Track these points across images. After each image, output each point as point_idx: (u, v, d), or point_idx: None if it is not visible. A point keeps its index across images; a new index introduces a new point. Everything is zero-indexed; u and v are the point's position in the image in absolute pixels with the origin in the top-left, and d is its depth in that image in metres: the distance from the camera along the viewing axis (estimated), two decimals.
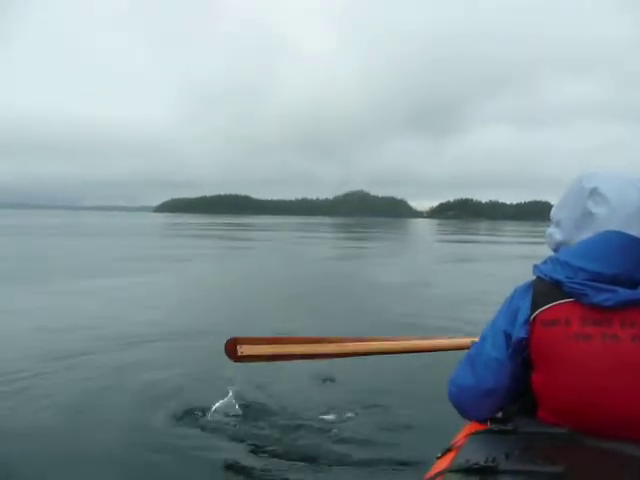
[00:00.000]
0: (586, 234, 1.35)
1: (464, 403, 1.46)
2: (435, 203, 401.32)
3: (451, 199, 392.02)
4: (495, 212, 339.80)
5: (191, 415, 3.34)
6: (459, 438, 1.35)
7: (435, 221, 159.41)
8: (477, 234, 41.11)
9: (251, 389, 3.66)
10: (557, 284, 1.29)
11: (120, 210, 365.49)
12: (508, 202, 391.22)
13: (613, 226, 1.30)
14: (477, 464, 1.07)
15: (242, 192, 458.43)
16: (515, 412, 1.41)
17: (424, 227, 64.61)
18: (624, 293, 1.21)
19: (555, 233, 1.47)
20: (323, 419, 3.31)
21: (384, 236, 33.21)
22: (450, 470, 1.11)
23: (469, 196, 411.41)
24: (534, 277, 1.39)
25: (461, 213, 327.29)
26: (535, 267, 1.40)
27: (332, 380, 4.06)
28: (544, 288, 1.32)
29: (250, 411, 3.37)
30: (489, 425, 1.34)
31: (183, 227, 44.96)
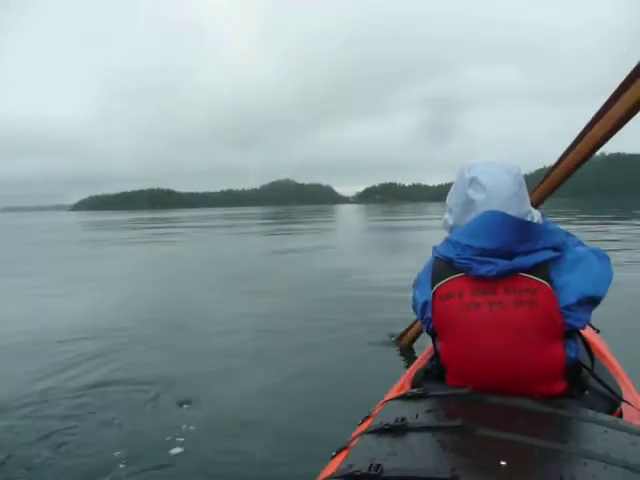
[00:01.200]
0: (471, 217, 1.51)
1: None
2: (361, 188, 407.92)
3: (376, 184, 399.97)
4: (418, 194, 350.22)
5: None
6: (377, 406, 1.49)
7: (362, 206, 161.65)
8: (402, 218, 41.09)
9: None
10: (450, 262, 1.47)
11: (33, 210, 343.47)
12: (430, 184, 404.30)
13: (491, 209, 1.46)
14: (388, 424, 1.21)
15: (165, 186, 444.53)
16: (428, 379, 1.61)
17: (350, 212, 64.55)
18: (503, 264, 1.37)
19: (448, 218, 1.65)
20: None
21: (313, 226, 32.38)
22: (365, 432, 1.24)
23: (393, 180, 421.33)
24: (433, 257, 1.56)
25: (386, 197, 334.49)
26: (433, 248, 1.57)
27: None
28: (440, 266, 1.50)
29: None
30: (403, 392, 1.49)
31: (89, 226, 42.04)
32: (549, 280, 1.36)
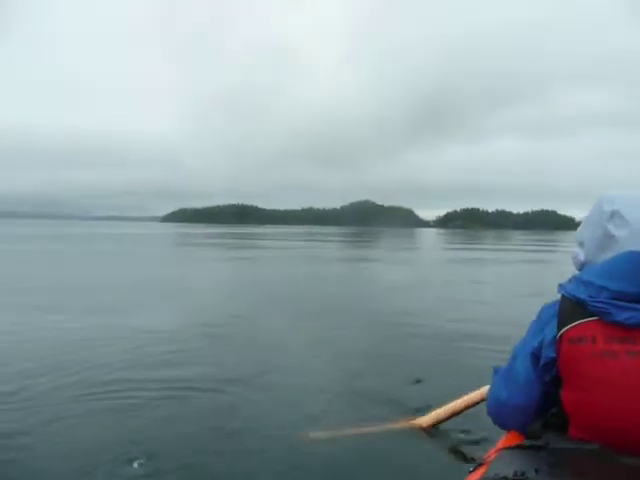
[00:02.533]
0: (608, 255, 1.39)
1: (499, 416, 1.57)
2: (442, 212, 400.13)
3: (457, 209, 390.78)
4: (502, 221, 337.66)
5: None
6: (491, 453, 1.37)
7: (442, 230, 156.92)
8: (483, 246, 39.76)
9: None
10: (581, 303, 1.33)
11: (129, 220, 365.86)
12: (515, 211, 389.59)
13: (634, 247, 1.33)
14: (505, 478, 1.09)
15: (249, 202, 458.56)
16: (547, 428, 1.43)
17: (431, 238, 63.24)
18: None
19: (579, 253, 1.52)
20: None
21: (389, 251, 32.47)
22: None
23: (476, 205, 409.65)
24: (559, 296, 1.43)
25: (467, 222, 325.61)
26: (560, 286, 1.44)
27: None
28: (569, 307, 1.36)
29: None
30: (521, 441, 1.36)
31: (182, 237, 44.30)
32: None
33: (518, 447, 1.31)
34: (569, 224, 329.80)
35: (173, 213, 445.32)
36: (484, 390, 2.73)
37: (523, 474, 1.08)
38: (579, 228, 1.58)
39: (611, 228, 1.40)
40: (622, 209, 1.40)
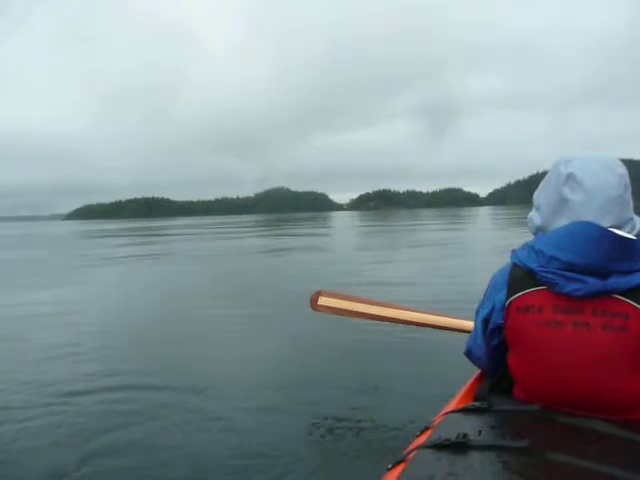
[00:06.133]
0: (562, 220, 1.37)
1: (469, 356, 1.64)
2: (355, 195, 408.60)
3: (370, 191, 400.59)
4: (412, 200, 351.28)
5: None
6: (437, 417, 1.42)
7: (356, 213, 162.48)
8: (396, 224, 41.25)
9: None
10: (531, 272, 1.34)
11: (28, 220, 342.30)
12: (424, 191, 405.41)
13: (588, 213, 1.32)
14: (448, 440, 1.12)
15: (160, 194, 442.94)
16: (494, 391, 1.50)
17: (344, 220, 64.68)
18: (594, 284, 1.24)
19: (535, 217, 1.50)
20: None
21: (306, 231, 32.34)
22: (424, 446, 1.17)
23: (387, 187, 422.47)
24: (511, 263, 1.43)
25: (380, 204, 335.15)
26: (513, 253, 1.45)
27: None
28: (519, 275, 1.37)
29: None
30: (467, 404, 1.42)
31: (87, 235, 41.82)
32: None
33: (463, 410, 1.37)
34: (475, 200, 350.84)
35: (77, 210, 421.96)
36: (467, 324, 2.62)
37: (465, 436, 1.13)
38: (536, 191, 1.54)
39: (566, 192, 1.38)
40: (578, 172, 1.37)
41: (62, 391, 3.86)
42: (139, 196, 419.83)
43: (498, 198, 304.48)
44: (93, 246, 25.62)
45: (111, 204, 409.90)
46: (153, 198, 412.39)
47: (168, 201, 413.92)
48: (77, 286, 10.37)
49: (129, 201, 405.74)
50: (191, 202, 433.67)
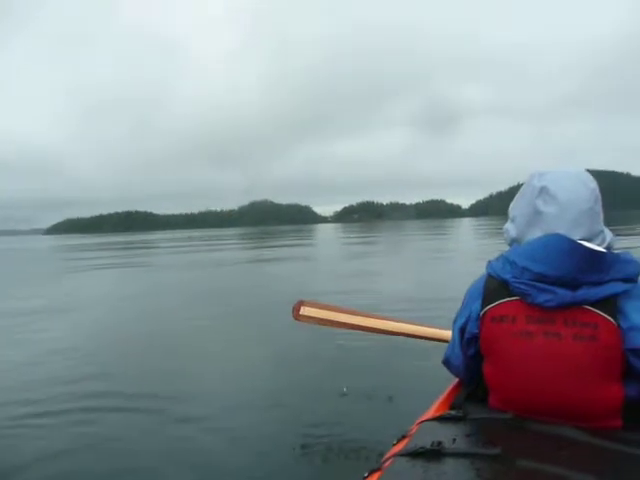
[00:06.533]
0: (536, 232, 1.41)
1: (446, 365, 1.67)
2: (339, 207, 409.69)
3: (354, 203, 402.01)
4: (396, 212, 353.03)
5: None
6: (414, 426, 1.44)
7: (339, 225, 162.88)
8: (378, 237, 41.40)
9: None
10: (505, 283, 1.37)
11: (7, 235, 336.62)
12: (408, 202, 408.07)
13: (561, 225, 1.37)
14: (423, 448, 1.15)
15: (143, 208, 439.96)
16: (470, 400, 1.53)
17: (328, 232, 64.76)
18: (565, 295, 1.28)
19: (510, 229, 1.54)
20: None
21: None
22: (399, 454, 1.19)
23: (371, 199, 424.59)
24: (486, 274, 1.46)
25: (364, 216, 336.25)
26: (488, 264, 1.47)
27: None
28: (494, 285, 1.40)
29: None
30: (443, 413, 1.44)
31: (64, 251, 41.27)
32: (615, 316, 1.25)
33: (439, 418, 1.40)
34: (457, 211, 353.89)
35: (57, 225, 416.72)
36: (445, 334, 2.62)
37: (440, 444, 1.15)
38: (512, 203, 1.58)
39: (540, 204, 1.42)
40: (551, 186, 1.41)
41: (37, 404, 3.85)
42: (121, 210, 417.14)
43: (480, 209, 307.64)
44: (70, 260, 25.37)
45: (92, 218, 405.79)
46: (136, 212, 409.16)
47: (151, 214, 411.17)
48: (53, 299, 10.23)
49: (110, 215, 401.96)
50: (174, 215, 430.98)
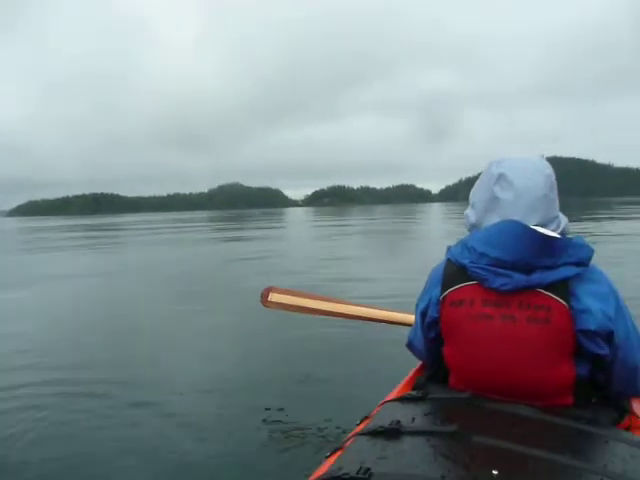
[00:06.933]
0: (494, 217, 1.46)
1: (410, 348, 1.70)
2: (310, 191, 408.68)
3: (325, 187, 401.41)
4: (367, 197, 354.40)
5: None
6: (376, 407, 1.48)
7: (311, 209, 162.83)
8: (350, 220, 41.49)
9: None
10: (463, 268, 1.41)
11: None
12: (378, 187, 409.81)
13: (517, 211, 1.41)
14: (382, 427, 1.19)
15: (109, 190, 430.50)
16: (431, 381, 1.58)
17: (299, 216, 64.67)
18: (519, 279, 1.32)
19: (470, 214, 1.58)
20: None
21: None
22: (359, 434, 1.23)
23: (342, 183, 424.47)
24: (446, 259, 1.51)
25: (335, 200, 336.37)
26: (448, 249, 1.52)
27: None
28: (453, 270, 1.45)
29: None
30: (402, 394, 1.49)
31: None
32: (567, 299, 1.30)
33: (400, 399, 1.44)
34: (427, 196, 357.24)
35: (20, 207, 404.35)
36: (410, 318, 2.62)
37: (398, 422, 1.20)
38: (472, 189, 1.61)
39: (497, 190, 1.46)
40: (508, 172, 1.45)
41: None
42: (87, 192, 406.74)
43: (450, 194, 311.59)
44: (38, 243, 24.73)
45: (57, 200, 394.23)
46: (102, 194, 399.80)
47: (118, 197, 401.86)
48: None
49: (76, 197, 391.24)
50: (142, 198, 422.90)
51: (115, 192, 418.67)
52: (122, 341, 5.25)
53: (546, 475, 1.02)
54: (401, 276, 8.32)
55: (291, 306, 3.13)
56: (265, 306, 3.18)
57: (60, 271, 11.66)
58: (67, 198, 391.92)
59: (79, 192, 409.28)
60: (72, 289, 9.25)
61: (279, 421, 3.18)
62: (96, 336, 5.53)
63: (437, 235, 19.33)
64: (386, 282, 8.19)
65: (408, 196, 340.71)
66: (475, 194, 1.57)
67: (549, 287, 1.31)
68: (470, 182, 1.61)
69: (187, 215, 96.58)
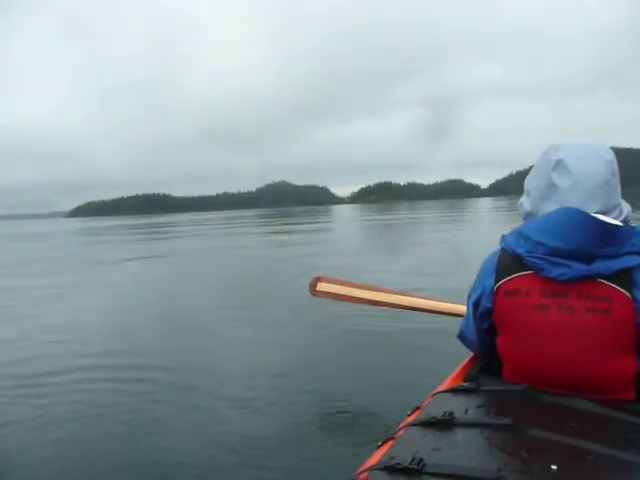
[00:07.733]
0: (550, 206, 1.40)
1: (461, 339, 1.68)
2: (356, 188, 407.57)
3: (371, 183, 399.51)
4: (413, 193, 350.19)
5: None
6: (428, 398, 1.45)
7: (357, 206, 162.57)
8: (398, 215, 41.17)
9: None
10: (518, 257, 1.36)
11: (28, 218, 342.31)
12: (425, 182, 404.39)
13: (575, 198, 1.36)
14: (435, 418, 1.17)
15: (161, 190, 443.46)
16: (484, 373, 1.56)
17: (346, 213, 64.65)
18: (578, 268, 1.27)
19: (525, 203, 1.53)
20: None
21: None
22: (412, 424, 1.21)
23: (388, 179, 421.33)
24: (500, 248, 1.46)
25: (382, 196, 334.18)
26: (502, 238, 1.47)
27: None
28: (507, 260, 1.40)
29: None
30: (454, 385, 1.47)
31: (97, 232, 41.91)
32: (630, 290, 1.24)
33: (452, 390, 1.41)
34: (476, 191, 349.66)
35: (79, 208, 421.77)
36: (460, 308, 2.64)
37: (451, 414, 1.18)
38: (527, 177, 1.56)
39: (554, 177, 1.41)
40: (566, 158, 1.40)
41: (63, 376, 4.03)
42: (139, 192, 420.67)
43: (499, 189, 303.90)
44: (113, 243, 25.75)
45: (112, 201, 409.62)
46: (154, 194, 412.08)
47: (169, 197, 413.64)
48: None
49: (130, 198, 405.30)
50: (192, 198, 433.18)
51: (166, 192, 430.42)
52: (183, 334, 5.47)
53: (608, 472, 0.97)
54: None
55: (339, 295, 3.12)
56: (314, 295, 3.18)
57: (148, 254, 12.87)
58: (122, 199, 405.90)
59: (132, 192, 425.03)
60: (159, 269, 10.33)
61: (330, 409, 3.25)
62: (164, 331, 5.79)
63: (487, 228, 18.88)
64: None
65: (456, 191, 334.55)
66: (530, 181, 1.51)
67: (610, 277, 1.25)
68: (520, 175, 1.56)
69: (236, 213, 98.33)
